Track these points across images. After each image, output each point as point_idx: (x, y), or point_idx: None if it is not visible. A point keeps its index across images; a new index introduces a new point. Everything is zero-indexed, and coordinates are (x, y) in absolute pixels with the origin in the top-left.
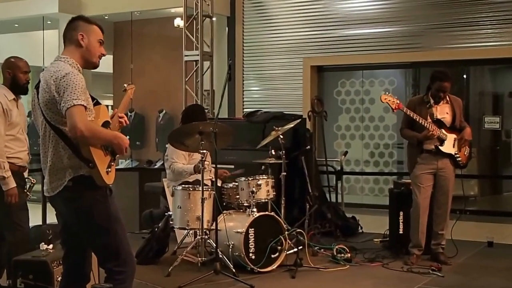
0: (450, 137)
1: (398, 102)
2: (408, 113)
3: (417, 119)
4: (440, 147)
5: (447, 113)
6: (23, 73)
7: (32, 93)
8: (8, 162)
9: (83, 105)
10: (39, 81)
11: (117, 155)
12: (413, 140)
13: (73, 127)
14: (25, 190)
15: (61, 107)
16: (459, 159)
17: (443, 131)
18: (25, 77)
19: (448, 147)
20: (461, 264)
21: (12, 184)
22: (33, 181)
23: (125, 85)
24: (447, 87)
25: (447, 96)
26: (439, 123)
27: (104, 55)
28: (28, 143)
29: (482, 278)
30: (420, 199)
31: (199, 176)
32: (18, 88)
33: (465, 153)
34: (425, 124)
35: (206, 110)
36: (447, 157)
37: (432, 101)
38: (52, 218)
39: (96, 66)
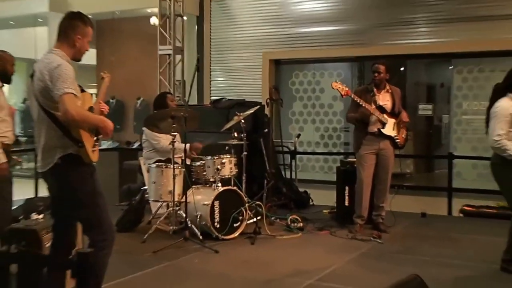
0: (391, 121)
1: (347, 89)
2: (355, 99)
3: (363, 104)
4: (382, 130)
5: (388, 100)
6: (11, 65)
7: (28, 81)
8: None
9: (73, 93)
10: (34, 71)
11: (100, 136)
12: (353, 120)
13: (65, 112)
14: (9, 167)
15: (54, 94)
16: (398, 140)
17: (385, 115)
18: (13, 69)
19: (389, 130)
20: (398, 233)
21: (4, 159)
22: (18, 159)
23: (102, 73)
24: (378, 67)
25: (387, 86)
26: (381, 109)
27: (87, 50)
28: (13, 124)
29: (417, 245)
30: (364, 175)
31: (170, 155)
32: (6, 77)
33: (403, 136)
34: (370, 109)
35: (178, 98)
36: (388, 139)
37: (375, 90)
38: (43, 192)
39: (79, 61)
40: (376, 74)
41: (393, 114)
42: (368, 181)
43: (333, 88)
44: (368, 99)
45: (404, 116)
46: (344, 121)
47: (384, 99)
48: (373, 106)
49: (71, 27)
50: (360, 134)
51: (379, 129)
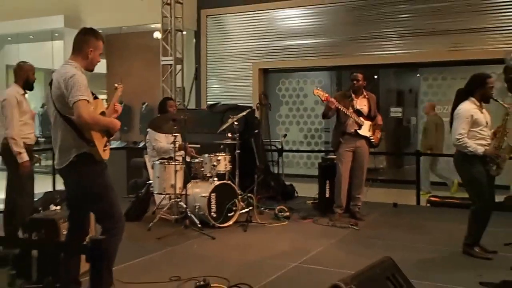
0: (366, 124)
1: (326, 95)
2: (335, 104)
3: (341, 109)
4: (358, 131)
5: (364, 105)
6: (32, 74)
7: (46, 89)
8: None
9: (86, 99)
10: (52, 80)
11: (111, 136)
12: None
13: (79, 117)
14: (31, 164)
15: (69, 101)
16: (373, 140)
17: (361, 118)
18: (34, 77)
19: (365, 131)
20: (373, 220)
21: (26, 158)
22: (39, 157)
23: (116, 84)
24: (356, 76)
25: (364, 92)
26: (358, 112)
27: (99, 62)
28: (34, 127)
29: (389, 231)
30: (342, 170)
31: (166, 155)
32: (29, 85)
33: (378, 136)
34: (347, 112)
35: (178, 103)
36: (364, 139)
37: (353, 95)
38: (60, 186)
39: (92, 71)
40: (355, 82)
41: (369, 117)
42: (346, 175)
43: (314, 94)
44: (346, 103)
45: (379, 119)
46: (324, 123)
47: (362, 103)
48: (351, 110)
49: (85, 41)
50: (339, 134)
51: (355, 130)
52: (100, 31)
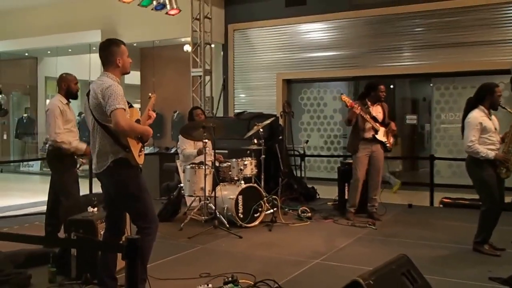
0: (382, 129)
1: (351, 101)
2: (358, 110)
3: (362, 115)
4: (376, 135)
5: (379, 112)
6: (75, 84)
7: (84, 99)
8: (65, 148)
9: (122, 108)
10: (89, 91)
11: (145, 143)
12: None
13: (116, 124)
14: (76, 169)
15: (106, 110)
16: (388, 145)
17: (377, 124)
18: (76, 87)
19: (380, 136)
20: (389, 220)
21: (83, 145)
22: (83, 161)
23: (150, 94)
24: (384, 88)
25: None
26: (375, 119)
27: (131, 62)
28: (78, 134)
29: (404, 230)
30: (359, 174)
31: (202, 159)
32: (71, 95)
33: (391, 141)
34: (367, 118)
35: (207, 111)
36: (379, 143)
37: (369, 103)
38: (97, 189)
39: (129, 73)
40: (382, 94)
41: (383, 123)
42: (361, 177)
43: (342, 100)
44: (363, 111)
45: (393, 125)
46: (343, 129)
47: (377, 111)
48: (368, 116)
49: (110, 54)
50: (356, 139)
51: (373, 135)
52: (134, 44)
